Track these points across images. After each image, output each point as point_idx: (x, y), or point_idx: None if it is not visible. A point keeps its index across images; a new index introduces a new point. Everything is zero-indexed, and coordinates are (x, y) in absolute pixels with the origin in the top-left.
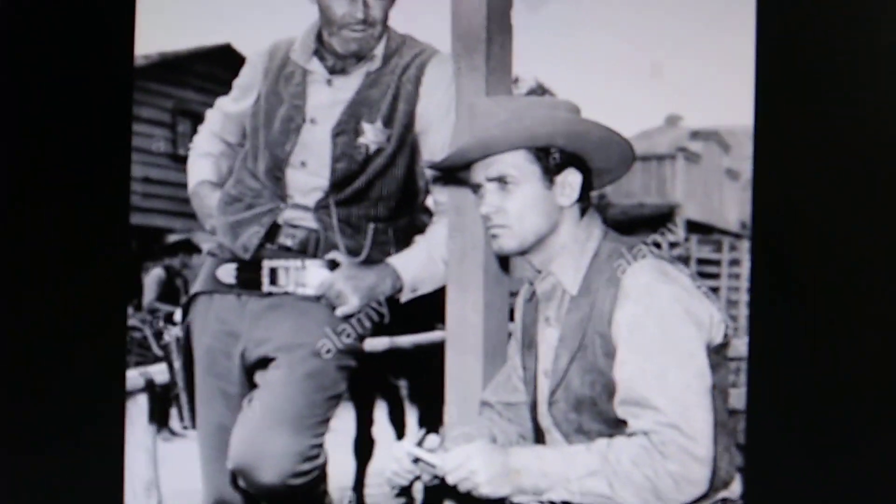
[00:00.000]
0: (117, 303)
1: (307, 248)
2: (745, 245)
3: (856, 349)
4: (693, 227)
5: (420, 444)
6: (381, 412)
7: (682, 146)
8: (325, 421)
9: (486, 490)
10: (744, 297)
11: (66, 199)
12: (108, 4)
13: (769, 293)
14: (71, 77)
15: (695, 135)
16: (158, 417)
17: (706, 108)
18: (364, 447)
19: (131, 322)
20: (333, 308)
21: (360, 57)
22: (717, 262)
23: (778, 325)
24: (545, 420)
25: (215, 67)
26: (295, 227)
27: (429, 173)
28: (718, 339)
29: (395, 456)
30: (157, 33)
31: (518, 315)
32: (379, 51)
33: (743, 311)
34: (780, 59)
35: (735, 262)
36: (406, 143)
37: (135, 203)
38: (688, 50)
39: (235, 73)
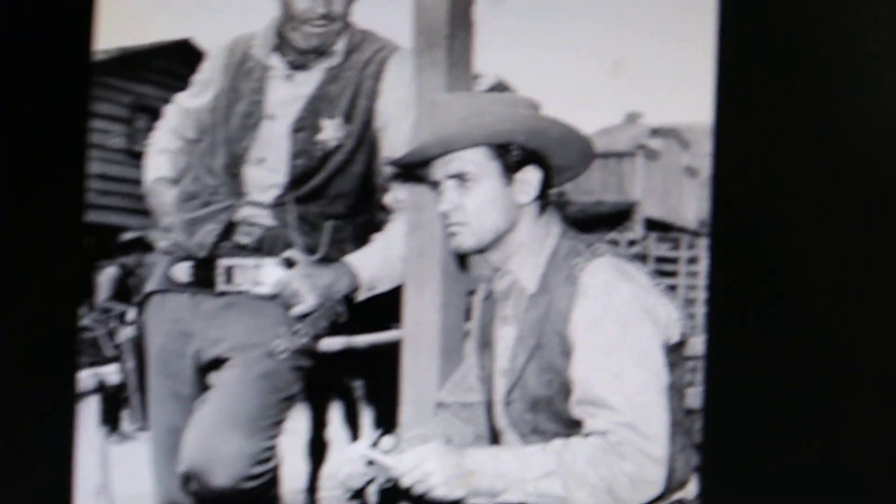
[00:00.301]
0: (70, 302)
1: (263, 246)
2: (703, 243)
3: (814, 347)
4: (651, 224)
5: (375, 445)
6: (335, 413)
7: (642, 143)
8: (279, 422)
9: (441, 492)
10: (701, 296)
11: (20, 196)
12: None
13: (727, 292)
14: (28, 71)
15: (654, 132)
16: (110, 419)
17: (666, 105)
18: (318, 449)
19: (84, 322)
20: (289, 307)
21: (320, 52)
22: (675, 260)
23: (735, 323)
24: (501, 420)
25: (175, 63)
26: (252, 224)
27: (388, 170)
28: (675, 338)
29: (349, 458)
30: (117, 28)
31: (475, 314)
32: (340, 46)
33: (700, 310)
34: (740, 56)
35: (693, 261)
36: (365, 139)
37: (90, 200)
38: (648, 47)
39: (195, 69)
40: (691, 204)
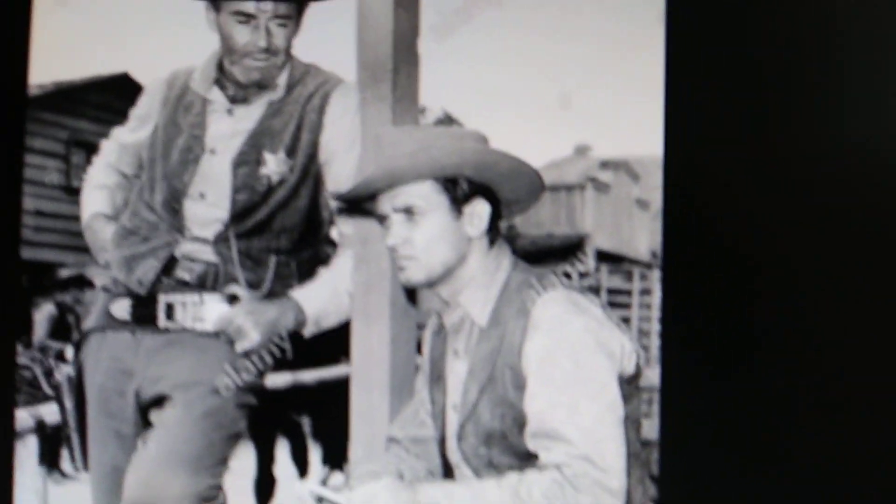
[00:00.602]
0: (6, 340)
1: (206, 282)
2: (655, 275)
3: (768, 377)
4: (603, 256)
5: (324, 483)
6: (282, 450)
7: (592, 176)
8: (224, 461)
9: None
10: (655, 327)
11: None
12: (2, 32)
13: (680, 323)
14: None
15: (604, 165)
16: (49, 459)
17: (615, 137)
18: (265, 487)
19: (20, 360)
20: (233, 344)
21: (262, 86)
22: (627, 292)
23: (689, 354)
24: (454, 455)
25: (111, 97)
26: (193, 260)
27: (333, 204)
28: (630, 370)
29: (297, 496)
30: (51, 62)
31: (426, 348)
32: (282, 80)
33: (654, 341)
34: (689, 88)
35: (646, 292)
36: (310, 173)
37: (26, 236)
38: (596, 79)
39: (132, 103)
40: (643, 236)
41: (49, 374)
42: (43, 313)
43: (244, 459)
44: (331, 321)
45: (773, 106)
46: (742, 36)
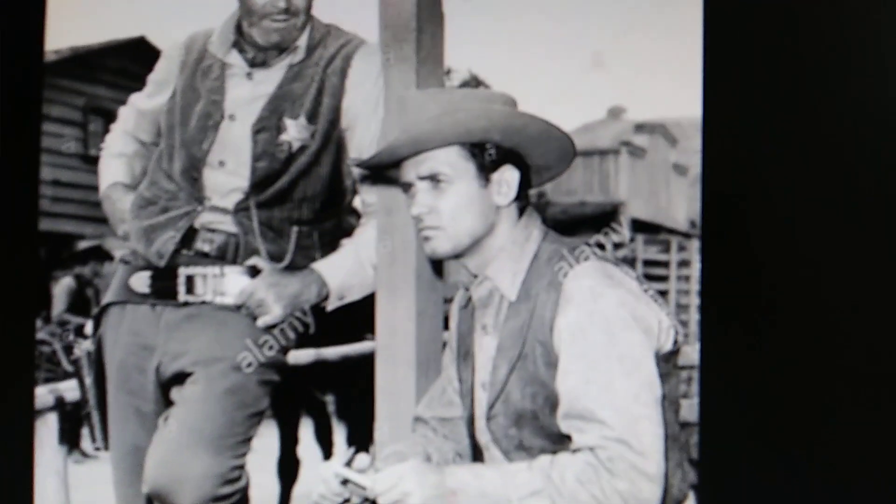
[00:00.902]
0: (25, 314)
1: (226, 254)
2: (694, 245)
3: (815, 355)
4: (639, 226)
5: (349, 464)
6: (306, 430)
7: (626, 140)
8: (247, 440)
9: None
10: (694, 301)
11: None
12: None
13: (721, 296)
14: None
15: (639, 128)
16: (69, 438)
17: (651, 99)
18: (289, 468)
19: (40, 335)
20: (254, 318)
21: (281, 49)
22: (665, 264)
23: (731, 330)
24: (483, 436)
25: (129, 62)
26: (213, 231)
27: (356, 172)
28: (668, 347)
29: (322, 477)
30: (68, 27)
31: (453, 323)
32: (302, 42)
33: (694, 316)
34: (730, 44)
35: (684, 264)
36: (331, 139)
37: (43, 207)
38: (631, 37)
39: (150, 68)
40: (681, 204)
41: (68, 349)
42: (62, 287)
43: (267, 439)
44: (354, 294)
45: (819, 64)
46: None
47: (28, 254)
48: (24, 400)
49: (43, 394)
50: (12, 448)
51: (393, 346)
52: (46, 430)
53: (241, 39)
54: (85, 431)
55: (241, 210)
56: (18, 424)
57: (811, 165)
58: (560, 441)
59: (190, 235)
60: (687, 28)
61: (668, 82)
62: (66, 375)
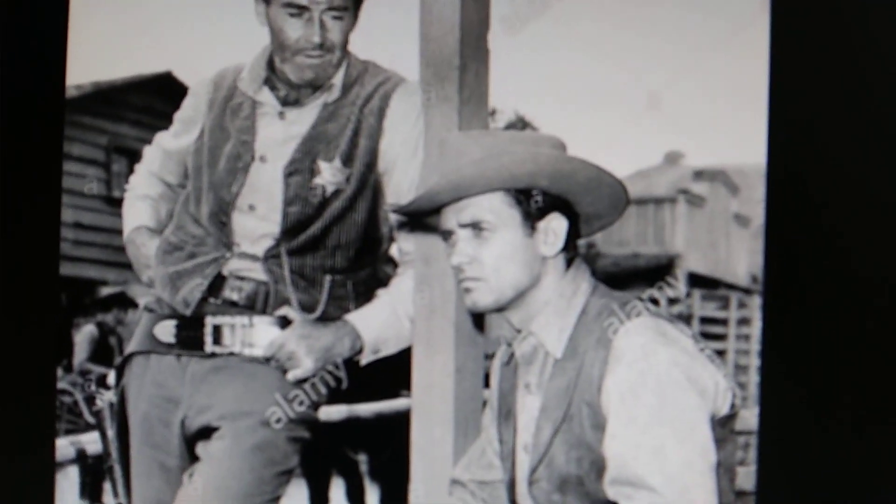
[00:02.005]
0: (45, 363)
1: (255, 303)
2: (755, 302)
3: (882, 423)
4: (696, 280)
5: None
6: (337, 490)
7: (684, 188)
8: (275, 499)
9: None
10: (754, 362)
11: None
12: (37, 28)
13: (783, 357)
14: None
15: (698, 174)
16: (91, 492)
17: (711, 144)
18: None
19: (61, 385)
20: (284, 371)
21: (316, 86)
22: (723, 322)
23: (793, 393)
24: (525, 501)
25: (154, 99)
26: (242, 278)
27: (393, 218)
28: (724, 410)
29: None
30: (90, 61)
31: (494, 380)
32: (337, 79)
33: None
34: (797, 87)
35: (744, 322)
36: (368, 184)
37: (65, 251)
38: (690, 77)
39: (176, 106)
40: (741, 257)
41: (90, 400)
42: (84, 335)
43: (296, 499)
44: (390, 348)
45: (890, 112)
46: (857, 28)
47: (49, 300)
48: (45, 452)
49: (64, 446)
50: (32, 501)
51: (430, 404)
52: (67, 483)
53: (272, 76)
54: (107, 486)
55: (271, 257)
56: (39, 477)
57: (882, 219)
58: None
59: (218, 283)
60: (751, 68)
61: (729, 126)
62: (87, 427)
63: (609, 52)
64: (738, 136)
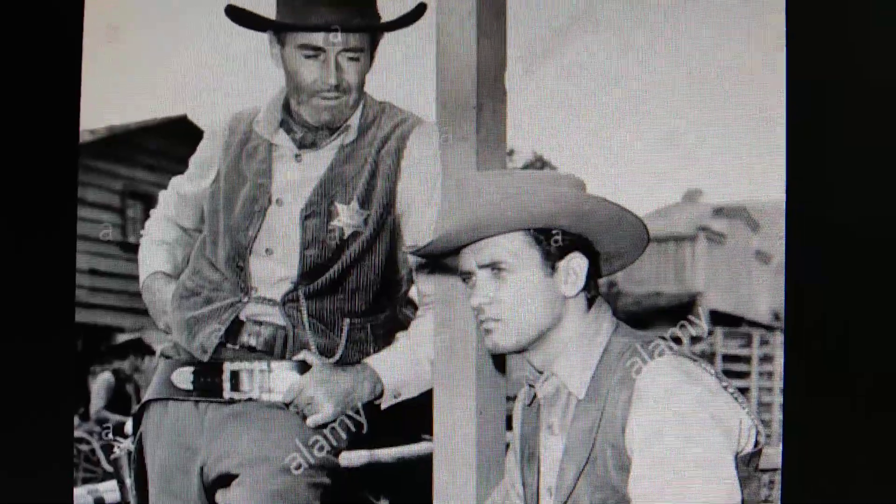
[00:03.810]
0: (62, 411)
1: (274, 348)
2: (777, 339)
3: None
4: (718, 318)
5: None
6: None
7: (704, 225)
8: None
9: None
10: (778, 399)
11: (3, 294)
12: (50, 71)
13: (806, 394)
14: (8, 155)
15: (718, 212)
16: None
17: (731, 181)
18: None
19: (77, 433)
20: (304, 417)
21: (332, 128)
22: (746, 359)
23: (817, 431)
24: None
25: (169, 143)
26: (259, 323)
27: (412, 260)
28: (749, 448)
29: None
30: (104, 105)
31: (516, 423)
32: (354, 121)
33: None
34: (815, 123)
35: (767, 359)
36: (385, 225)
37: (80, 298)
38: (709, 113)
39: (191, 149)
40: (763, 294)
41: (108, 448)
42: (100, 382)
43: None
44: (410, 392)
45: None
46: (872, 65)
47: (64, 347)
48: (63, 501)
49: (82, 494)
50: None
51: (452, 447)
52: None
53: (288, 119)
54: None
55: (289, 301)
56: None
57: None
58: None
59: (235, 328)
60: (770, 103)
61: (749, 163)
62: (105, 476)
63: (627, 90)
64: (758, 173)
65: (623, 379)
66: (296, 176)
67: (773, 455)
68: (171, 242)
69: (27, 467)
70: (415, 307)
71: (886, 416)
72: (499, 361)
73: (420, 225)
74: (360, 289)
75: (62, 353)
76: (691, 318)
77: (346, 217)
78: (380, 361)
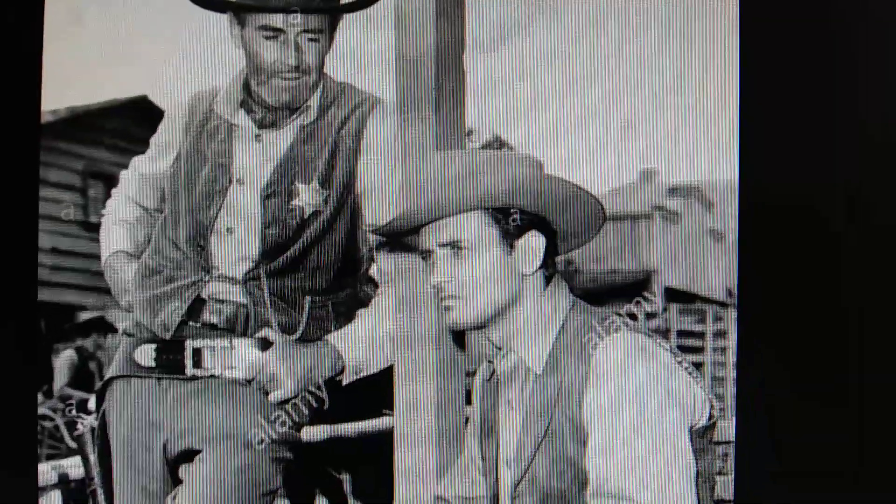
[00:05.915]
0: (25, 389)
1: (235, 326)
2: (731, 315)
3: (859, 430)
4: (672, 295)
5: None
6: None
7: (659, 204)
8: None
9: None
10: (731, 374)
11: None
12: (11, 53)
13: (759, 369)
14: None
15: (673, 191)
16: None
17: (685, 160)
18: None
19: (41, 410)
20: (266, 393)
21: (292, 109)
22: (700, 335)
23: (769, 404)
24: None
25: (130, 123)
26: (221, 301)
27: (372, 239)
28: (703, 421)
29: None
30: (64, 86)
31: (475, 398)
32: (314, 101)
33: (730, 389)
34: (768, 103)
35: (720, 334)
36: (346, 205)
37: (42, 277)
38: (663, 95)
39: (152, 130)
40: (717, 271)
41: (71, 425)
42: (63, 360)
43: None
44: (371, 368)
45: (862, 122)
46: (824, 48)
47: (27, 325)
48: (27, 477)
49: (46, 470)
50: None
51: (412, 423)
52: None
53: (249, 99)
54: None
55: (250, 279)
56: (21, 502)
57: (856, 230)
58: None
59: (197, 306)
60: (723, 85)
61: (703, 143)
62: (68, 452)
63: (584, 73)
64: (711, 153)
65: (580, 354)
66: (256, 156)
67: (727, 428)
68: (132, 222)
69: None
70: (375, 285)
71: (835, 387)
72: (458, 338)
73: (380, 204)
74: (320, 267)
75: (25, 331)
76: (646, 294)
77: (307, 197)
78: (341, 338)
